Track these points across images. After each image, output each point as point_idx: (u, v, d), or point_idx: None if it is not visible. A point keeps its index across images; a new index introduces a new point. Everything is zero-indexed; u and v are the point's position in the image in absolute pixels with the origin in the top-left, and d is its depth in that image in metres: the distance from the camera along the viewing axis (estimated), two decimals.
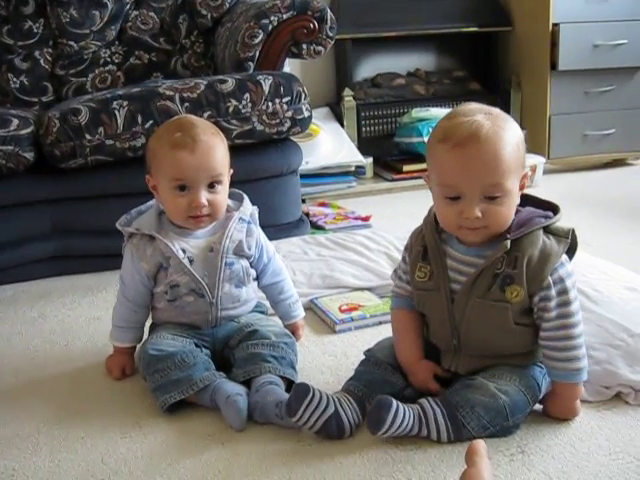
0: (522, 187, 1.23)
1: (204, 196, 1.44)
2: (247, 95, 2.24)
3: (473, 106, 1.23)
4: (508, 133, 1.19)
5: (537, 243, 1.21)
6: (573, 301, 1.23)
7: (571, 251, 1.27)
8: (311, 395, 1.23)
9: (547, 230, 1.24)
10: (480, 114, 1.19)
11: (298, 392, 1.24)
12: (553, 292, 1.21)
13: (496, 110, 1.23)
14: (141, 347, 1.51)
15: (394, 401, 1.20)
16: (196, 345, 1.48)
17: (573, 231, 1.25)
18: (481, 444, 1.08)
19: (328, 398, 1.26)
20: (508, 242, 1.21)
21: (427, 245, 1.31)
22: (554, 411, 1.29)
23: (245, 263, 1.54)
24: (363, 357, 1.41)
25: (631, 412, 1.31)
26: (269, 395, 1.32)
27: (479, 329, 1.27)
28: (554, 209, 1.27)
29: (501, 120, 1.20)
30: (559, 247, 1.22)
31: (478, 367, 1.29)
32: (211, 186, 1.46)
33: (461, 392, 1.23)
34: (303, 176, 2.87)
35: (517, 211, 1.25)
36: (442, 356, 1.35)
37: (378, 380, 1.33)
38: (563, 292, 1.22)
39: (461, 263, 1.27)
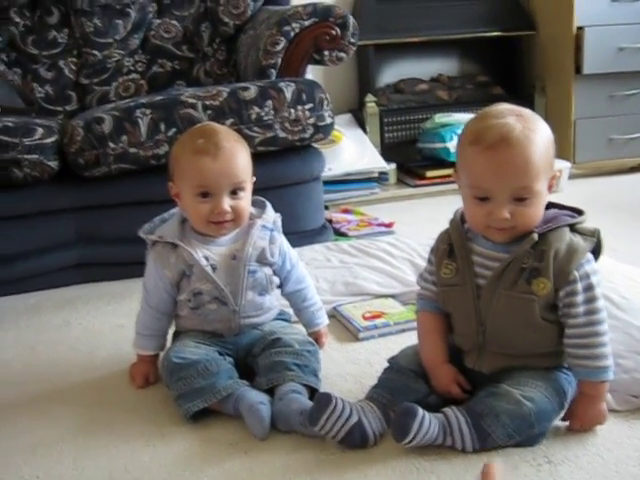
0: (550, 187, 1.24)
1: (227, 202, 1.44)
2: (269, 102, 2.24)
3: (504, 107, 1.23)
4: (538, 135, 1.19)
5: (564, 238, 1.22)
6: (599, 298, 1.23)
7: (596, 253, 1.27)
8: (333, 404, 1.22)
9: (573, 229, 1.25)
10: (511, 116, 1.20)
11: (320, 401, 1.23)
12: (579, 287, 1.21)
13: (526, 111, 1.23)
14: (164, 355, 1.50)
15: (419, 409, 1.18)
16: (219, 353, 1.47)
17: (599, 232, 1.26)
18: (494, 467, 1.06)
19: (351, 407, 1.25)
20: (536, 235, 1.22)
21: (453, 243, 1.32)
22: (580, 416, 1.26)
23: (268, 271, 1.53)
24: (387, 365, 1.40)
25: None
26: (292, 404, 1.32)
27: (505, 323, 1.26)
28: (579, 212, 1.29)
29: (531, 122, 1.20)
30: (585, 244, 1.23)
31: (502, 366, 1.28)
32: (234, 193, 1.46)
33: (485, 400, 1.21)
34: (326, 183, 2.86)
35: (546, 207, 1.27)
36: (466, 356, 1.34)
37: (401, 387, 1.32)
38: (589, 288, 1.22)
39: (487, 258, 1.27)
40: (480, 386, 1.28)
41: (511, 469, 1.17)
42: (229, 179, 1.44)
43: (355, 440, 1.23)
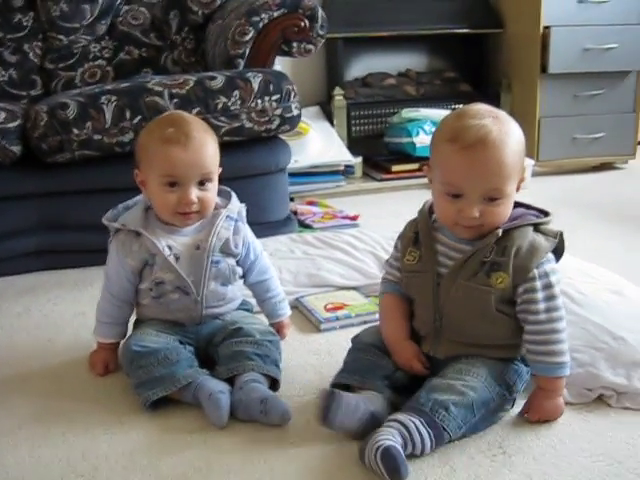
0: (518, 188, 1.28)
1: (194, 193, 1.44)
2: (236, 92, 2.23)
3: (481, 107, 1.26)
4: (512, 139, 1.23)
5: (527, 237, 1.26)
6: (558, 296, 1.27)
7: (558, 254, 1.31)
8: (341, 401, 1.21)
9: (537, 229, 1.28)
10: (488, 118, 1.23)
11: (327, 401, 1.21)
12: (538, 285, 1.25)
13: (502, 113, 1.27)
14: (124, 343, 1.50)
15: (398, 448, 1.13)
16: (180, 342, 1.47)
17: (561, 234, 1.30)
18: None
19: (357, 401, 1.23)
20: (500, 230, 1.25)
21: (419, 231, 1.35)
22: (537, 409, 1.29)
23: (231, 261, 1.53)
24: (350, 346, 1.41)
25: (613, 415, 1.32)
26: (252, 392, 1.32)
27: (461, 312, 1.29)
28: (545, 213, 1.32)
29: (506, 125, 1.24)
30: (547, 243, 1.27)
31: (456, 353, 1.31)
32: (201, 183, 1.45)
33: (430, 396, 1.21)
34: (292, 174, 2.87)
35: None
36: (423, 341, 1.37)
37: (369, 366, 1.33)
38: (548, 286, 1.25)
39: (451, 249, 1.31)
40: (435, 372, 1.30)
41: (466, 459, 1.19)
42: (198, 169, 1.43)
43: (369, 429, 1.20)
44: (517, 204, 1.33)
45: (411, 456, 1.17)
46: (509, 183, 1.23)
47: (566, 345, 1.27)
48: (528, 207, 1.34)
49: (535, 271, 1.25)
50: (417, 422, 1.17)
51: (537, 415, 1.29)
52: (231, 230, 1.52)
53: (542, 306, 1.25)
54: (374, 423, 1.22)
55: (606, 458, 1.18)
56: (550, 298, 1.25)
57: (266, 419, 1.29)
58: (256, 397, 1.31)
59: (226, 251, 1.51)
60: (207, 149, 1.45)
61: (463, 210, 1.24)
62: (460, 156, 1.22)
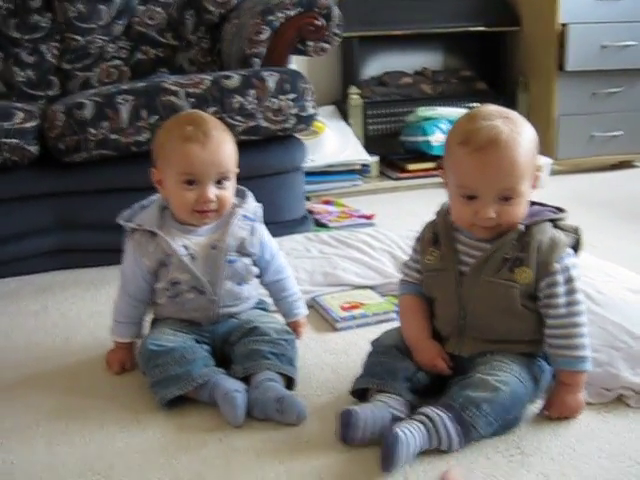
0: (533, 187, 1.29)
1: (212, 191, 1.44)
2: (252, 91, 2.24)
3: (491, 109, 1.28)
4: (524, 138, 1.24)
5: (547, 232, 1.27)
6: (579, 290, 1.27)
7: (576, 249, 1.32)
8: (357, 417, 1.20)
9: (555, 225, 1.29)
10: (499, 119, 1.24)
11: (343, 422, 1.21)
12: (560, 279, 1.25)
13: (513, 114, 1.28)
14: (142, 342, 1.50)
15: (400, 433, 1.13)
16: (196, 341, 1.47)
17: (579, 229, 1.31)
18: (454, 473, 1.06)
19: (379, 408, 1.23)
20: (522, 226, 1.26)
21: (438, 232, 1.36)
22: (559, 405, 1.29)
23: (247, 261, 1.53)
24: (369, 349, 1.41)
25: (632, 415, 1.30)
26: (269, 391, 1.32)
27: (486, 308, 1.29)
28: (561, 210, 1.34)
29: (518, 125, 1.25)
30: (567, 238, 1.28)
31: (481, 351, 1.30)
32: (219, 182, 1.45)
33: (462, 393, 1.21)
34: (308, 174, 2.86)
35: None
36: (446, 341, 1.36)
37: (390, 369, 1.32)
38: (570, 280, 1.26)
39: (472, 248, 1.31)
40: (459, 371, 1.30)
41: (483, 459, 1.18)
42: (216, 168, 1.43)
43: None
44: (532, 203, 1.33)
45: (437, 451, 1.17)
46: (523, 182, 1.24)
47: (587, 339, 1.27)
48: (543, 205, 1.35)
49: (557, 265, 1.25)
50: (444, 417, 1.17)
51: (559, 411, 1.29)
52: (247, 230, 1.52)
53: (563, 300, 1.26)
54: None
55: (625, 459, 1.17)
56: (571, 292, 1.26)
57: (282, 418, 1.29)
58: (272, 396, 1.31)
59: (242, 251, 1.51)
60: (225, 148, 1.45)
61: (479, 211, 1.25)
62: (472, 158, 1.23)
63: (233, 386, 1.34)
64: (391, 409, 1.24)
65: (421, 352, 1.35)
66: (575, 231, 1.30)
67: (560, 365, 1.29)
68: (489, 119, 1.24)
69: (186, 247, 1.47)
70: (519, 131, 1.24)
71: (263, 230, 1.57)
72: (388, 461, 1.13)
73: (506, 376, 1.23)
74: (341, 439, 1.23)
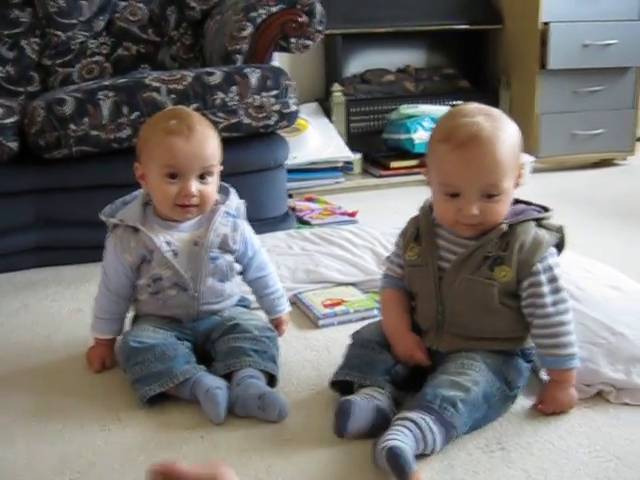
0: (517, 185, 1.29)
1: (194, 185, 1.43)
2: (234, 88, 2.23)
3: (473, 106, 1.28)
4: (506, 135, 1.24)
5: (530, 232, 1.27)
6: (563, 289, 1.28)
7: (559, 248, 1.32)
8: (354, 407, 1.21)
9: (539, 224, 1.30)
10: (480, 115, 1.24)
11: (342, 410, 1.21)
12: (543, 278, 1.26)
13: (495, 111, 1.28)
14: (122, 339, 1.49)
15: (403, 445, 1.11)
16: (177, 338, 1.47)
17: (563, 228, 1.31)
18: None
19: (365, 400, 1.24)
20: (505, 226, 1.26)
21: (420, 228, 1.36)
22: (551, 401, 1.30)
23: (229, 258, 1.52)
24: (350, 341, 1.41)
25: (612, 410, 1.31)
26: (250, 389, 1.32)
27: (464, 305, 1.30)
28: (545, 209, 1.34)
29: (500, 122, 1.25)
30: (550, 237, 1.28)
31: (459, 347, 1.31)
32: (202, 177, 1.45)
33: (437, 392, 1.20)
34: (290, 171, 2.87)
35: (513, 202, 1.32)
36: (425, 335, 1.37)
37: (369, 361, 1.33)
38: (553, 279, 1.27)
39: (453, 244, 1.32)
40: (437, 366, 1.30)
41: (465, 455, 1.18)
42: (199, 161, 1.43)
43: (379, 425, 1.21)
44: (517, 201, 1.34)
45: (420, 455, 1.16)
46: (505, 179, 1.24)
47: (574, 337, 1.28)
48: (528, 203, 1.36)
49: (539, 265, 1.26)
50: (428, 419, 1.16)
51: (551, 407, 1.30)
52: (229, 226, 1.52)
53: (549, 299, 1.26)
54: (383, 419, 1.22)
55: (605, 454, 1.18)
56: (556, 291, 1.27)
57: (263, 415, 1.29)
58: (253, 393, 1.30)
59: (224, 247, 1.51)
60: (209, 142, 1.45)
61: (462, 209, 1.25)
62: (454, 155, 1.23)
63: (214, 383, 1.33)
64: (376, 401, 1.24)
65: (400, 343, 1.35)
66: (559, 230, 1.30)
67: (549, 364, 1.30)
68: (471, 116, 1.24)
69: (168, 243, 1.46)
70: (501, 128, 1.24)
71: (246, 226, 1.56)
72: (399, 473, 1.09)
73: (475, 375, 1.24)
74: (335, 428, 1.22)
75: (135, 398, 1.37)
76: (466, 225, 1.27)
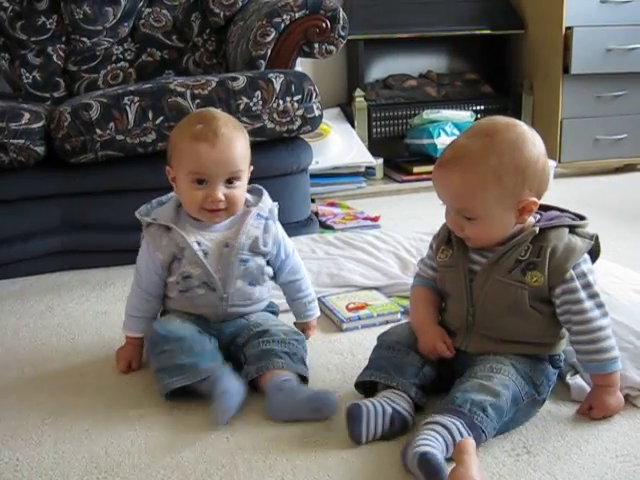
0: (524, 212, 1.25)
1: (221, 191, 1.44)
2: (258, 93, 2.24)
3: (486, 125, 1.28)
4: (491, 162, 1.21)
5: (563, 238, 1.27)
6: (599, 294, 1.27)
7: (593, 256, 1.31)
8: (365, 411, 1.22)
9: (572, 231, 1.28)
10: (480, 138, 1.23)
11: (352, 414, 1.23)
12: (578, 285, 1.25)
13: (504, 134, 1.24)
14: (150, 327, 1.49)
15: (435, 451, 1.10)
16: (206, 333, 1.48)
17: (597, 236, 1.30)
18: (469, 442, 1.06)
19: (380, 401, 1.25)
20: (537, 228, 1.26)
21: (451, 231, 1.37)
22: (600, 406, 1.29)
23: (261, 261, 1.53)
24: (376, 343, 1.41)
25: (639, 415, 1.30)
26: (295, 394, 1.32)
27: (494, 307, 1.30)
28: (581, 217, 1.33)
29: (494, 147, 1.22)
30: (583, 244, 1.27)
31: (488, 349, 1.31)
32: (229, 181, 1.45)
33: (466, 397, 1.20)
34: (313, 176, 2.87)
35: (546, 209, 1.34)
36: (454, 336, 1.37)
37: (397, 363, 1.33)
38: (588, 285, 1.26)
39: (482, 248, 1.32)
40: (465, 368, 1.30)
41: (490, 459, 1.18)
42: (226, 168, 1.43)
43: (396, 429, 1.23)
44: (550, 207, 1.34)
45: (448, 459, 1.15)
46: (479, 206, 1.24)
47: (614, 340, 1.27)
48: (562, 210, 1.35)
49: (572, 272, 1.25)
50: (458, 424, 1.16)
51: (602, 412, 1.29)
52: (261, 228, 1.52)
53: (587, 305, 1.25)
54: (400, 422, 1.23)
55: (632, 458, 1.17)
56: (593, 296, 1.26)
57: (319, 415, 1.30)
58: (302, 397, 1.31)
59: (255, 250, 1.51)
60: (236, 146, 1.44)
61: (449, 222, 1.31)
62: (435, 172, 1.28)
63: (233, 385, 1.32)
64: (395, 405, 1.24)
65: (424, 335, 1.36)
66: (592, 238, 1.28)
67: (592, 370, 1.29)
68: (470, 136, 1.25)
69: (199, 243, 1.47)
70: (487, 154, 1.21)
71: (278, 228, 1.57)
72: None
73: (504, 379, 1.23)
74: (349, 434, 1.23)
75: (157, 388, 1.39)
76: (461, 236, 1.31)
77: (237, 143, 1.45)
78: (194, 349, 1.39)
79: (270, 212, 1.55)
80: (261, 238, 1.51)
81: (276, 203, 1.58)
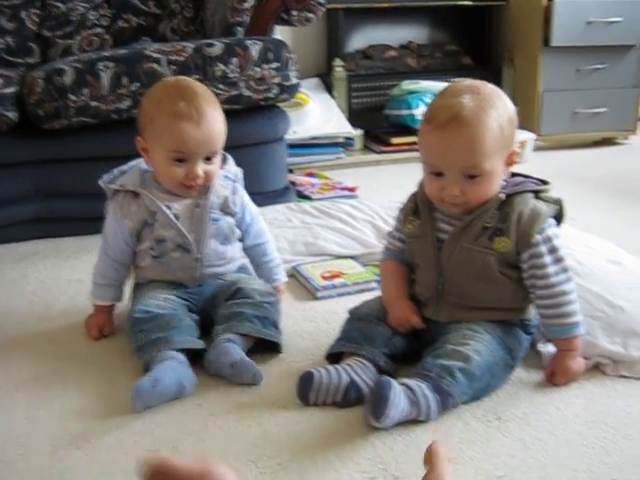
0: (510, 164, 1.28)
1: (201, 168, 1.43)
2: (235, 60, 2.21)
3: (464, 85, 1.27)
4: (492, 114, 1.22)
5: (528, 203, 1.27)
6: (564, 258, 1.28)
7: (558, 220, 1.32)
8: (315, 378, 1.23)
9: (537, 197, 1.30)
10: (467, 94, 1.23)
11: (302, 380, 1.24)
12: (544, 249, 1.26)
13: (486, 89, 1.26)
14: (132, 307, 1.48)
15: (393, 382, 1.14)
16: (188, 309, 1.47)
17: (561, 200, 1.31)
18: (439, 445, 1.06)
19: (338, 370, 1.25)
20: (503, 195, 1.27)
21: (419, 202, 1.37)
22: (563, 371, 1.30)
23: (230, 220, 1.53)
24: (347, 316, 1.42)
25: (608, 382, 1.32)
26: (223, 356, 1.33)
27: (464, 275, 1.30)
28: (544, 182, 1.34)
29: (487, 101, 1.23)
30: (548, 209, 1.28)
31: (459, 317, 1.31)
32: (208, 158, 1.44)
33: (436, 362, 1.22)
34: (291, 146, 2.86)
35: (511, 175, 1.33)
36: (424, 306, 1.37)
37: (367, 333, 1.33)
38: (554, 250, 1.27)
39: (450, 216, 1.31)
40: (435, 337, 1.30)
41: (461, 424, 1.19)
42: (208, 147, 1.42)
43: (351, 399, 1.24)
44: (515, 174, 1.34)
45: (416, 422, 1.17)
46: (488, 160, 1.23)
47: (577, 305, 1.29)
48: (526, 177, 1.35)
49: (538, 236, 1.26)
50: (423, 386, 1.17)
51: (564, 377, 1.30)
52: (229, 189, 1.53)
53: (551, 270, 1.26)
54: (357, 393, 1.23)
55: (601, 425, 1.18)
56: (557, 261, 1.27)
57: (237, 380, 1.31)
58: (226, 361, 1.32)
59: (225, 209, 1.52)
60: (217, 125, 1.44)
61: (445, 188, 1.26)
62: (434, 136, 1.24)
63: (168, 378, 1.27)
64: (354, 375, 1.25)
65: (396, 309, 1.36)
66: (557, 202, 1.30)
67: (555, 334, 1.31)
68: (457, 95, 1.23)
69: (169, 207, 1.46)
70: (485, 107, 1.22)
71: (243, 192, 1.57)
72: (380, 407, 1.12)
73: (477, 345, 1.24)
74: (298, 398, 1.25)
75: (133, 366, 1.38)
76: (451, 204, 1.27)
77: (218, 121, 1.44)
78: (170, 324, 1.39)
79: (235, 176, 1.56)
80: (230, 198, 1.52)
81: (240, 169, 1.58)
